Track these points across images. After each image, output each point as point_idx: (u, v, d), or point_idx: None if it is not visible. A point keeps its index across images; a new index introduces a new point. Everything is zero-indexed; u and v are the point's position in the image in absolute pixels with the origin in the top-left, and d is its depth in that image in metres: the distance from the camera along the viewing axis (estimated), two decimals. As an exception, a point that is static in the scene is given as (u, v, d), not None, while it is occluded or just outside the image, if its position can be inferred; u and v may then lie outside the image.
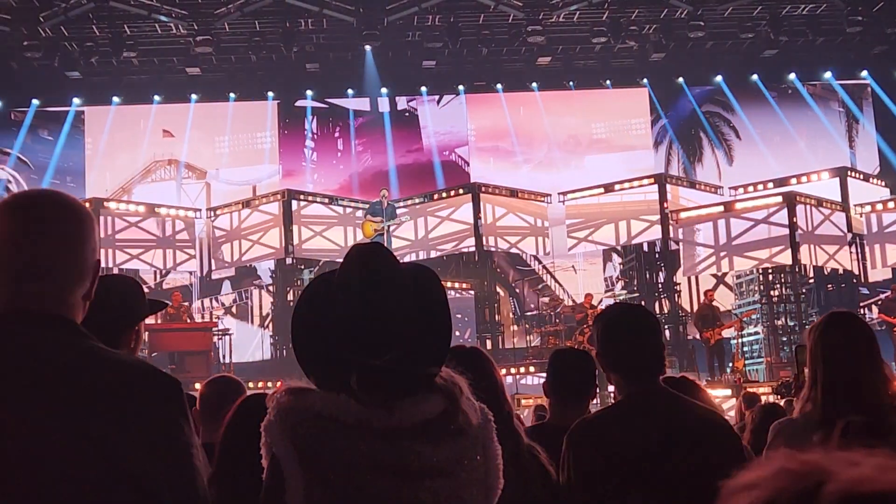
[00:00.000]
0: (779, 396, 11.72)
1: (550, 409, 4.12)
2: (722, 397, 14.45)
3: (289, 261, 20.00)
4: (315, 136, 25.39)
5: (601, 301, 19.33)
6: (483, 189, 20.60)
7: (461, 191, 20.73)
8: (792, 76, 24.74)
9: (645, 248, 20.78)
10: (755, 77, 24.72)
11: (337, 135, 25.46)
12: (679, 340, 19.48)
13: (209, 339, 17.78)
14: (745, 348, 19.12)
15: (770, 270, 19.78)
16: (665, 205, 19.85)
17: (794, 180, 20.38)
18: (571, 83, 24.74)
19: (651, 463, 2.93)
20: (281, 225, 19.87)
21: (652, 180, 20.58)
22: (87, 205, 2.11)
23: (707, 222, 19.93)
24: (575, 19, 22.17)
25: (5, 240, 1.88)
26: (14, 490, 1.72)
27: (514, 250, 21.36)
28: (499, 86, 24.79)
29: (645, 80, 24.81)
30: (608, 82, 24.76)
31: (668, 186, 20.35)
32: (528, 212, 21.18)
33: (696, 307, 19.45)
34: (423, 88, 24.91)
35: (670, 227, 19.93)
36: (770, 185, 20.70)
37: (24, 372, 1.79)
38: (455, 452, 1.98)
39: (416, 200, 20.98)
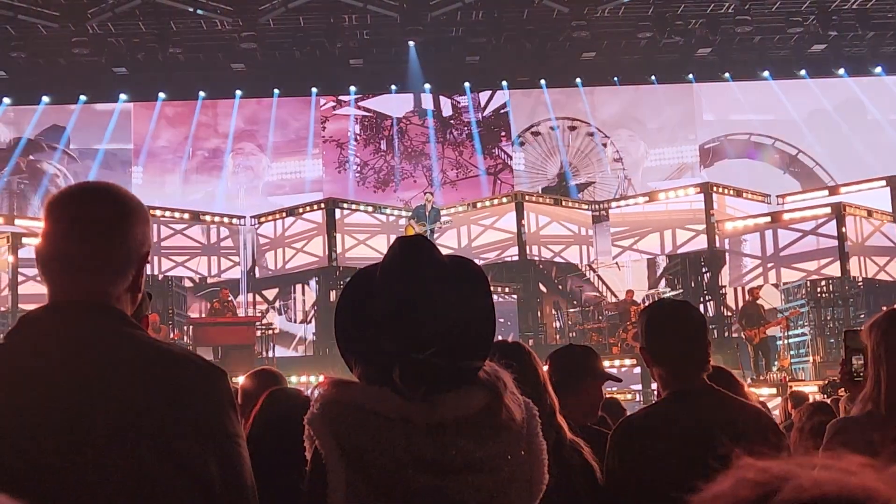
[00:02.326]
0: (825, 395, 11.55)
1: None
2: (767, 396, 14.30)
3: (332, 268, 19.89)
4: (357, 137, 25.43)
5: (644, 298, 19.20)
6: (526, 198, 20.52)
7: (504, 199, 20.66)
8: (841, 71, 24.35)
9: (691, 254, 20.49)
10: (803, 72, 24.40)
11: (379, 136, 25.49)
12: (724, 339, 19.28)
13: (253, 334, 17.93)
14: (792, 351, 18.86)
15: (819, 282, 19.55)
16: (711, 212, 19.59)
17: (843, 189, 20.10)
18: (616, 79, 24.58)
19: (695, 461, 2.89)
20: (324, 233, 19.90)
21: (698, 189, 20.34)
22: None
23: (754, 233, 19.66)
24: (620, 14, 22.02)
25: (54, 233, 1.95)
26: (70, 478, 1.75)
27: (557, 259, 21.21)
28: (542, 81, 24.69)
29: (691, 76, 24.60)
30: (653, 78, 24.57)
31: (714, 195, 20.11)
32: (572, 220, 21.06)
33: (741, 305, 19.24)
34: (467, 84, 24.89)
35: (716, 238, 19.67)
36: (819, 193, 20.47)
37: (74, 359, 1.84)
38: (498, 448, 1.96)
39: (460, 209, 20.95)
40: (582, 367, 3.80)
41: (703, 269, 20.23)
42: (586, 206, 21.54)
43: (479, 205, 21.05)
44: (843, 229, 18.41)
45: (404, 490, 1.88)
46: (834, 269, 18.64)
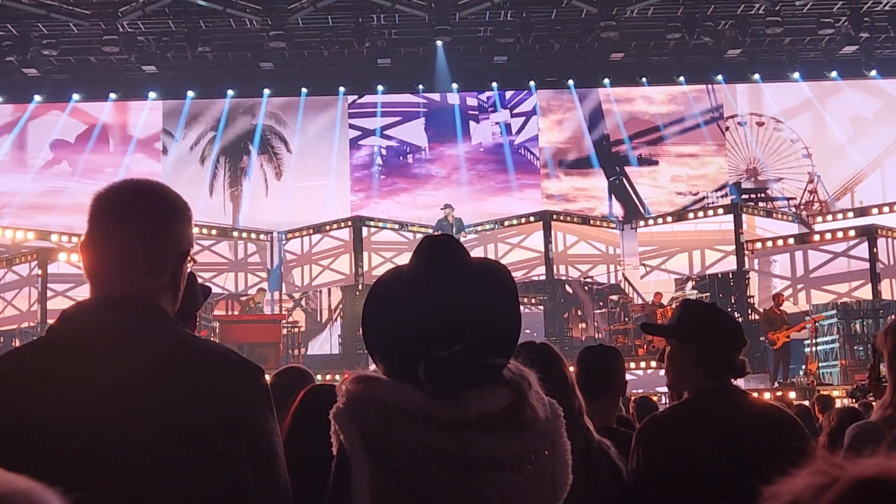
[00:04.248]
0: (853, 400, 11.47)
1: None
2: (790, 399, 14.20)
3: (357, 285, 19.82)
4: (383, 151, 25.40)
5: (671, 300, 19.09)
6: (554, 217, 20.48)
7: (532, 218, 20.61)
8: (873, 73, 24.09)
9: (719, 274, 20.36)
10: (835, 74, 24.17)
11: (407, 150, 25.44)
12: (751, 344, 19.12)
13: (279, 332, 17.97)
14: (820, 359, 18.66)
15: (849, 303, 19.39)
16: (741, 232, 19.39)
17: (875, 210, 19.93)
18: (644, 79, 24.48)
19: (720, 460, 2.90)
20: (351, 251, 19.91)
21: (727, 209, 20.21)
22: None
23: (784, 253, 19.49)
24: (649, 14, 21.92)
25: (96, 229, 1.98)
26: (103, 470, 1.76)
27: (585, 279, 21.09)
28: (570, 81, 24.62)
29: (720, 77, 24.46)
30: (682, 79, 24.45)
31: (744, 215, 19.92)
32: (599, 239, 20.96)
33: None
34: (494, 84, 24.85)
35: (745, 259, 19.47)
36: (850, 214, 20.27)
37: (111, 353, 1.85)
38: (521, 446, 1.96)
39: (487, 227, 20.91)
40: (603, 370, 3.80)
41: (733, 288, 20.05)
42: (614, 225, 21.44)
43: (506, 223, 20.98)
44: (875, 250, 18.21)
45: (427, 486, 1.89)
46: (865, 292, 18.39)
